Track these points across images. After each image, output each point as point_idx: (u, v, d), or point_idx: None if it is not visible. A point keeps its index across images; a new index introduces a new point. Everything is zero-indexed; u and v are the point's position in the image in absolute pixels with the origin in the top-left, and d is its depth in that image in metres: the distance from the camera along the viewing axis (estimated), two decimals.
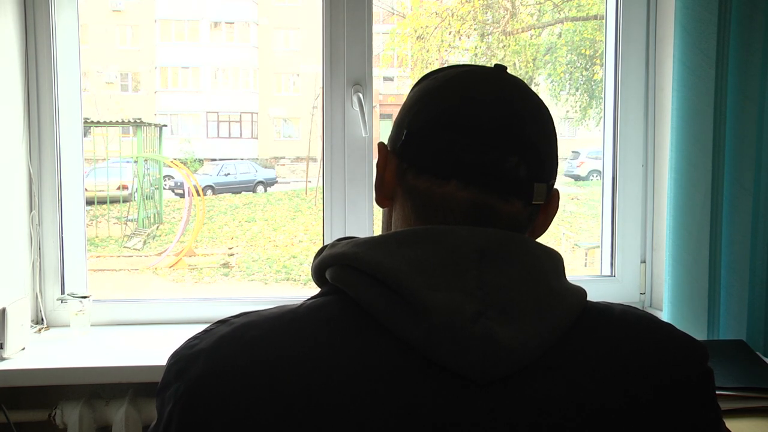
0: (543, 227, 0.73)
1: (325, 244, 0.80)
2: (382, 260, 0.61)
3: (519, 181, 0.67)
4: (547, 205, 0.72)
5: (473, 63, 0.75)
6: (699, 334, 1.57)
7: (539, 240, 0.72)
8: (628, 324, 0.66)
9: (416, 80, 0.77)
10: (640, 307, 0.68)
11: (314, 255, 0.71)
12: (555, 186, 0.73)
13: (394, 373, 0.58)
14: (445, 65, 0.79)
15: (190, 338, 0.65)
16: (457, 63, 0.78)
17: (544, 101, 0.73)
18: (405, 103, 0.74)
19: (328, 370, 0.58)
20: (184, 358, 0.63)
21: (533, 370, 0.60)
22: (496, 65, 0.74)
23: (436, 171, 0.67)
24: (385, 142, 0.76)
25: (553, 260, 0.66)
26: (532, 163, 0.68)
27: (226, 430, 0.58)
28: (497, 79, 0.71)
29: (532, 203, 0.69)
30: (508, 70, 0.74)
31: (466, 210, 0.67)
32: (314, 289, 0.70)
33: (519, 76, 0.74)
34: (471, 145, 0.66)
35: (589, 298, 0.67)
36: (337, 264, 0.65)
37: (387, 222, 0.75)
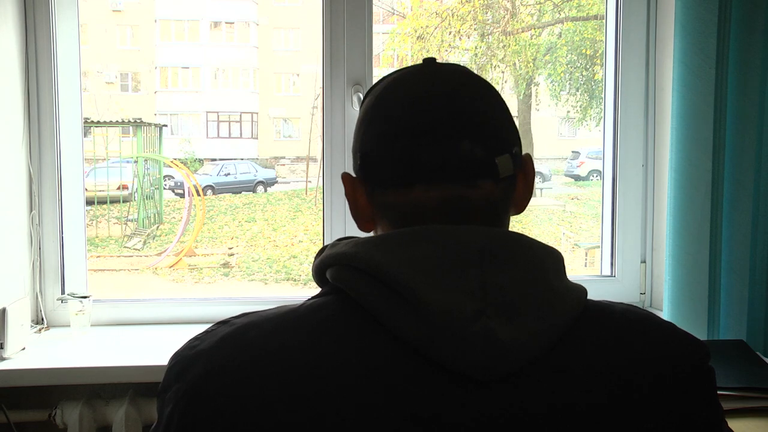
0: (525, 197, 0.72)
1: (325, 244, 0.79)
2: (382, 260, 0.61)
3: (478, 162, 0.67)
4: (523, 174, 0.71)
5: (452, 63, 0.74)
6: (699, 334, 1.57)
7: (538, 238, 0.72)
8: (629, 322, 0.66)
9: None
10: (640, 307, 0.68)
11: (315, 255, 0.71)
12: (527, 153, 0.73)
13: (394, 373, 0.58)
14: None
15: (191, 339, 0.65)
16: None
17: (483, 78, 0.73)
18: (355, 127, 0.75)
19: (328, 370, 0.58)
20: (185, 359, 0.63)
21: (534, 368, 0.60)
22: (425, 60, 0.74)
23: (397, 181, 0.67)
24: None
25: (554, 259, 0.66)
26: (484, 139, 0.67)
27: (227, 431, 0.58)
28: (429, 72, 0.71)
29: (501, 179, 0.68)
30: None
31: (437, 208, 0.66)
32: (314, 289, 0.70)
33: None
34: (420, 145, 0.66)
35: (589, 298, 0.67)
36: (337, 264, 0.65)
37: None
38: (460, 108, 0.68)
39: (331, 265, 0.66)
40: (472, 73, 0.73)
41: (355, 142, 0.73)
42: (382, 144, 0.68)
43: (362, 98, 0.77)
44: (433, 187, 0.66)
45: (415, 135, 0.67)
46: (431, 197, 0.66)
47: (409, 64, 0.76)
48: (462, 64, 0.74)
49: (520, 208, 0.72)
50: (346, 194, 0.74)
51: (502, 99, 0.72)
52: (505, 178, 0.68)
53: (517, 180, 0.70)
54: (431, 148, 0.66)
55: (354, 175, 0.73)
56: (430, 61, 0.74)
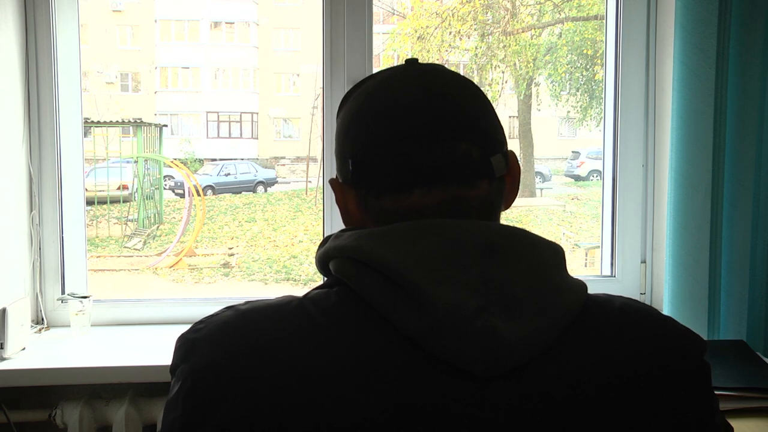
0: (513, 191, 0.73)
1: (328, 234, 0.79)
2: (385, 253, 0.62)
3: (475, 163, 0.67)
4: (510, 170, 0.72)
5: (433, 63, 0.76)
6: (699, 334, 1.57)
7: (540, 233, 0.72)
8: (628, 317, 0.67)
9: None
10: (640, 301, 0.69)
11: (319, 244, 0.71)
12: (511, 150, 0.73)
13: (395, 366, 0.59)
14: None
15: (196, 322, 0.67)
16: (370, 74, 0.77)
17: (463, 76, 0.73)
18: (337, 131, 0.74)
19: (328, 361, 0.59)
20: (188, 341, 0.65)
21: (535, 365, 0.60)
22: (407, 61, 0.74)
23: (395, 188, 0.67)
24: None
25: (556, 254, 0.66)
26: (480, 140, 0.68)
27: (227, 416, 0.58)
28: (415, 75, 0.71)
29: (496, 177, 0.69)
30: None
31: (435, 208, 0.67)
32: None
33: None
34: (419, 149, 0.66)
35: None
36: (339, 256, 0.65)
37: None
38: (456, 110, 0.68)
39: (333, 257, 0.66)
40: (457, 74, 0.73)
41: (342, 147, 0.71)
42: (377, 149, 0.68)
43: (341, 103, 0.75)
44: (432, 191, 0.66)
45: (413, 139, 0.66)
46: (430, 200, 0.66)
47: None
48: (440, 64, 0.73)
49: (508, 204, 0.73)
50: (337, 201, 0.73)
51: (488, 100, 0.73)
52: (498, 177, 0.69)
53: (505, 179, 0.71)
54: (430, 152, 0.66)
55: (341, 179, 0.72)
56: (413, 62, 0.73)
